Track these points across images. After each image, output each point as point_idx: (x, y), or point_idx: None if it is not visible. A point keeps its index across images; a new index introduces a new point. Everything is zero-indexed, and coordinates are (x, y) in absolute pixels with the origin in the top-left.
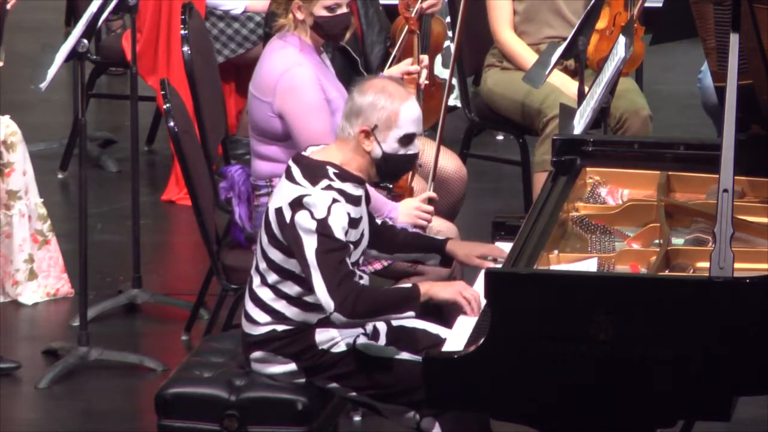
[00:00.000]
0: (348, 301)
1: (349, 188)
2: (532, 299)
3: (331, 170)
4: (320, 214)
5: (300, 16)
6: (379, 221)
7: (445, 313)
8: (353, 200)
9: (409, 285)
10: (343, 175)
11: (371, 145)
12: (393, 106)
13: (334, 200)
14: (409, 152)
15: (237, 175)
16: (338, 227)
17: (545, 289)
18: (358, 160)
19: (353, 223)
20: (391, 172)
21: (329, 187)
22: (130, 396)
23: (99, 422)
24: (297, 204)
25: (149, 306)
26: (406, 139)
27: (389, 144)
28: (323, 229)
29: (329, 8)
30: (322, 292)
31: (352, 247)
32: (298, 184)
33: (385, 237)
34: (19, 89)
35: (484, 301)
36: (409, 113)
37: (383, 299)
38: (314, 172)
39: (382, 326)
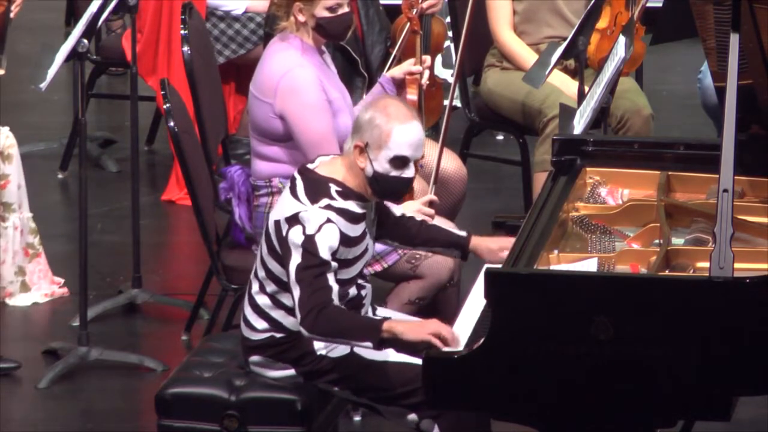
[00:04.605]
0: (310, 316)
1: (352, 206)
2: (532, 299)
3: (333, 188)
4: (311, 230)
5: (302, 18)
6: (398, 213)
7: (444, 314)
8: (355, 218)
9: (377, 317)
10: (346, 193)
11: (364, 162)
12: (387, 126)
13: (329, 220)
14: (403, 175)
15: (237, 175)
16: (325, 246)
17: (545, 289)
18: (356, 177)
19: (350, 242)
20: (384, 192)
21: (328, 207)
22: (130, 396)
23: (99, 422)
24: (293, 220)
25: (149, 306)
26: (398, 162)
27: (380, 164)
28: (309, 245)
29: (330, 9)
30: (295, 305)
31: (335, 265)
32: (299, 201)
33: (405, 229)
34: (19, 89)
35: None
36: (403, 136)
37: (344, 323)
38: (317, 189)
39: None
